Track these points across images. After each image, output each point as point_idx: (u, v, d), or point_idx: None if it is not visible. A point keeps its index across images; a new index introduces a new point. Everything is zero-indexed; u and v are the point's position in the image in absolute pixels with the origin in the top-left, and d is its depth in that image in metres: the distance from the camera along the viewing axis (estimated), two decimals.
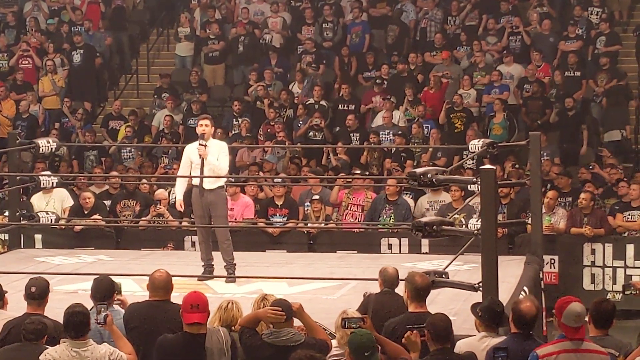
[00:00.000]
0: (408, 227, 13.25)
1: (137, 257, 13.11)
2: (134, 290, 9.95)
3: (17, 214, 13.21)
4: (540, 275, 12.16)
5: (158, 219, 14.42)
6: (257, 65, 19.91)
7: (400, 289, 8.22)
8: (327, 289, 10.79)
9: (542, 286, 12.17)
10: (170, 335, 7.15)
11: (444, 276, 8.86)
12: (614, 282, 13.83)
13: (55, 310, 7.79)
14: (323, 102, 18.49)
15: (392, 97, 18.25)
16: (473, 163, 15.31)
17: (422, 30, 20.30)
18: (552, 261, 13.87)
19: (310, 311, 7.64)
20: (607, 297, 12.13)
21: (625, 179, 15.03)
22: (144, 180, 15.54)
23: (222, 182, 11.34)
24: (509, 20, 19.71)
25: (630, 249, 13.81)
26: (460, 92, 18.09)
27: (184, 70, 20.80)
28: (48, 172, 15.01)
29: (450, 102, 17.81)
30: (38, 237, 14.47)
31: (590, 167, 15.86)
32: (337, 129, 18.16)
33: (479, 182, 9.09)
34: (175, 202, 14.69)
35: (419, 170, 9.11)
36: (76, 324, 7.05)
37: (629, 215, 14.11)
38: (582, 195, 14.06)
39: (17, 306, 8.09)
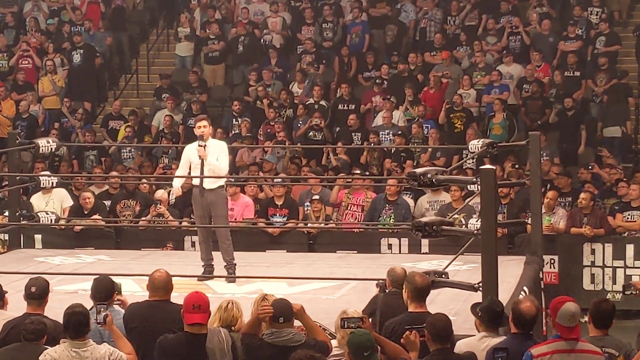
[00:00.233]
0: (408, 227, 13.33)
1: (137, 257, 13.11)
2: (134, 291, 9.95)
3: (17, 214, 13.21)
4: (540, 275, 12.16)
5: (158, 219, 14.42)
6: (257, 65, 19.92)
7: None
8: (327, 289, 10.79)
9: (542, 286, 12.18)
10: (171, 335, 7.14)
11: (443, 276, 8.86)
12: (614, 282, 13.83)
13: (55, 311, 7.79)
14: (323, 102, 18.49)
15: (392, 97, 18.26)
16: (473, 163, 15.31)
17: (422, 30, 20.30)
18: (552, 261, 13.87)
19: (310, 311, 7.64)
20: (607, 297, 12.14)
21: (624, 179, 15.02)
22: (144, 180, 15.54)
23: (222, 182, 11.34)
24: (508, 20, 19.71)
25: (630, 249, 13.81)
26: (460, 92, 18.09)
27: (184, 71, 20.80)
28: (47, 172, 15.01)
29: (450, 102, 17.81)
30: (38, 237, 14.47)
31: (590, 167, 15.86)
32: (337, 129, 18.16)
33: (478, 182, 9.09)
34: (175, 202, 14.87)
35: (419, 170, 9.11)
36: (76, 324, 7.05)
37: (629, 215, 14.11)
38: (582, 195, 14.06)
39: (17, 306, 8.09)
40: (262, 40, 20.62)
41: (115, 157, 18.24)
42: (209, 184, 11.16)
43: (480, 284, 8.60)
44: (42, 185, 13.72)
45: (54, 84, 20.04)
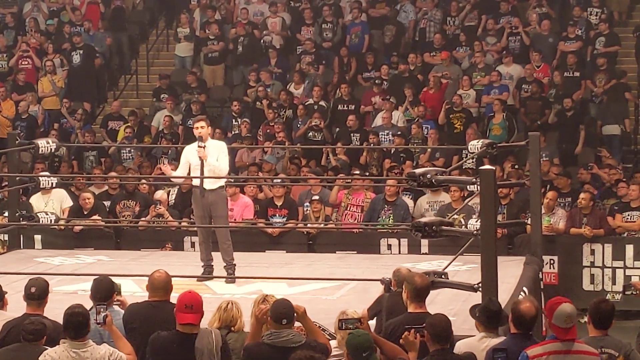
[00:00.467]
0: (407, 228, 13.34)
1: (136, 257, 13.11)
2: (134, 291, 9.95)
3: (17, 214, 13.21)
4: (540, 276, 12.17)
5: (157, 220, 14.42)
6: (256, 66, 19.92)
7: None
8: (327, 289, 10.79)
9: (542, 286, 12.18)
10: (164, 333, 7.18)
11: (443, 277, 8.86)
12: (614, 283, 13.82)
13: (54, 311, 7.79)
14: (322, 103, 18.49)
15: (392, 97, 18.27)
16: (472, 163, 15.31)
17: (422, 31, 20.31)
18: (552, 261, 13.87)
19: (310, 312, 7.64)
20: (607, 298, 12.15)
21: (624, 180, 15.02)
22: (143, 181, 15.53)
23: (222, 182, 11.34)
24: (508, 20, 19.71)
25: (629, 249, 13.81)
26: (459, 93, 18.09)
27: (183, 71, 20.80)
28: (47, 173, 15.01)
29: (449, 102, 17.81)
30: (37, 237, 14.46)
31: (590, 167, 15.87)
32: (337, 129, 18.15)
33: (478, 183, 9.09)
34: (175, 202, 14.87)
35: (418, 170, 9.11)
36: (76, 325, 7.05)
37: (629, 215, 14.10)
38: (582, 195, 14.06)
39: (16, 307, 8.09)
40: (261, 40, 20.62)
41: (115, 157, 18.23)
42: (209, 185, 11.16)
43: (480, 285, 8.60)
44: (41, 186, 13.71)
45: (53, 85, 20.04)
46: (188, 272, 11.36)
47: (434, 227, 8.66)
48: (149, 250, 13.81)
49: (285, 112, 18.55)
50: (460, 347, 7.31)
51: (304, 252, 14.03)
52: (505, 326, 7.54)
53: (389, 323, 7.82)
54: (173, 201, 15.08)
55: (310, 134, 17.80)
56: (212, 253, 11.38)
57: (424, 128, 17.44)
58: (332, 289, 10.82)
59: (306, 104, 18.49)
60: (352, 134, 17.68)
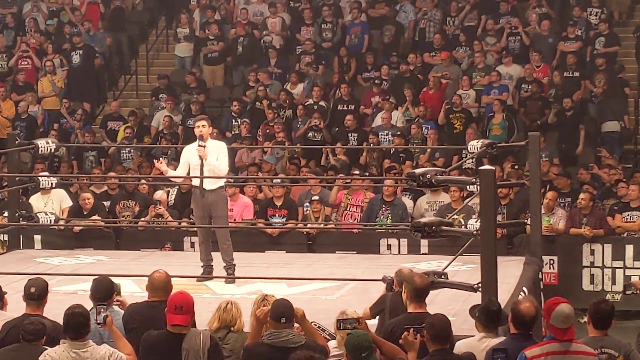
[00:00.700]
0: (406, 228, 13.35)
1: (136, 257, 13.11)
2: (134, 291, 9.94)
3: (17, 214, 13.22)
4: (540, 276, 12.18)
5: (157, 220, 14.42)
6: (256, 66, 19.92)
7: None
8: (327, 289, 10.79)
9: (542, 287, 12.18)
10: (155, 332, 7.22)
11: (443, 277, 8.87)
12: (613, 283, 13.82)
13: (54, 311, 7.80)
14: (322, 103, 18.48)
15: (392, 97, 18.27)
16: (472, 163, 15.31)
17: (421, 31, 20.31)
18: (552, 262, 13.87)
19: (310, 312, 7.64)
20: (606, 298, 12.15)
21: (624, 180, 15.02)
22: (143, 181, 15.53)
23: (222, 182, 11.34)
24: (508, 20, 19.71)
25: (629, 249, 13.80)
26: (459, 93, 18.09)
27: (183, 71, 20.80)
28: (47, 173, 15.00)
29: (449, 102, 17.81)
30: (37, 237, 14.46)
31: (590, 167, 15.87)
32: (336, 129, 18.15)
33: (478, 183, 9.09)
34: (174, 203, 14.87)
35: (418, 170, 9.12)
36: (76, 325, 7.05)
37: (628, 215, 14.10)
38: (581, 195, 14.06)
39: (16, 307, 8.09)
40: (261, 41, 20.62)
41: (114, 157, 18.23)
42: (209, 185, 11.16)
43: (480, 285, 8.60)
44: (41, 186, 13.71)
45: (53, 85, 20.04)
46: (188, 272, 11.36)
47: (433, 227, 8.66)
48: (149, 251, 13.81)
49: (285, 112, 18.56)
50: (460, 347, 7.31)
51: (303, 252, 14.03)
52: (505, 326, 7.54)
53: (388, 323, 7.82)
54: (173, 201, 15.08)
55: (310, 134, 17.80)
56: (212, 253, 11.37)
57: (423, 128, 17.43)
58: (332, 289, 10.82)
59: (306, 104, 18.50)
60: (349, 134, 17.68)
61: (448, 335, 7.02)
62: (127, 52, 22.04)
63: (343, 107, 18.41)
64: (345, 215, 14.70)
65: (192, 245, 13.99)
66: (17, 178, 13.66)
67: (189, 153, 11.26)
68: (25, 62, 20.67)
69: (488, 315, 7.48)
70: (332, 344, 7.58)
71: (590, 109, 18.11)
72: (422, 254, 13.46)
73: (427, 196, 14.62)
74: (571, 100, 17.55)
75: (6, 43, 21.28)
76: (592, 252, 13.92)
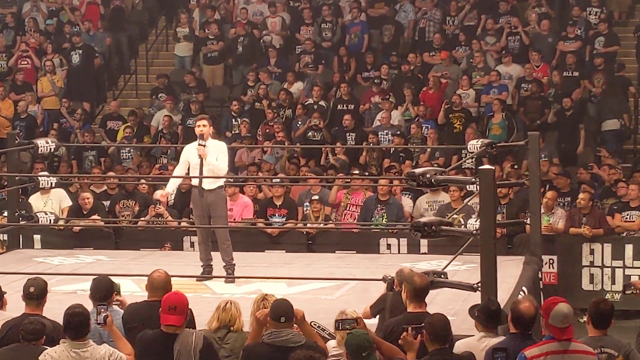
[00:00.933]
0: (405, 227, 13.38)
1: (136, 257, 13.10)
2: (133, 291, 9.95)
3: (16, 214, 13.22)
4: (539, 276, 12.18)
5: (157, 220, 14.41)
6: (255, 66, 19.92)
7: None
8: (326, 289, 10.79)
9: (541, 286, 12.18)
10: (150, 331, 7.23)
11: (442, 276, 8.87)
12: (613, 282, 13.82)
13: (54, 311, 7.80)
14: (322, 103, 18.48)
15: (391, 97, 18.27)
16: (472, 163, 15.31)
17: (421, 31, 20.31)
18: (551, 261, 13.87)
19: (310, 311, 7.65)
20: (606, 297, 12.15)
21: (624, 179, 15.02)
22: (143, 181, 15.52)
23: (221, 182, 11.33)
24: (507, 20, 19.71)
25: (629, 249, 13.80)
26: (459, 92, 18.09)
27: (183, 71, 20.80)
28: (46, 173, 15.00)
29: (449, 102, 17.81)
30: (37, 237, 14.45)
31: (589, 167, 15.87)
32: (336, 128, 18.15)
33: (477, 183, 9.09)
34: (174, 202, 14.87)
35: (418, 170, 9.12)
36: (76, 325, 7.05)
37: (628, 215, 14.10)
38: (581, 195, 14.06)
39: (16, 306, 8.09)
40: (261, 40, 20.62)
41: (114, 157, 18.23)
42: (208, 185, 11.15)
43: (479, 284, 8.60)
44: (41, 186, 13.71)
45: (53, 85, 20.04)
46: (187, 272, 11.35)
47: (433, 226, 8.66)
48: (149, 250, 13.80)
49: (284, 112, 18.56)
50: (459, 347, 7.31)
51: (303, 252, 14.03)
52: (505, 326, 7.55)
53: (388, 323, 7.82)
54: (172, 201, 15.07)
55: (310, 133, 17.80)
56: (212, 253, 11.37)
57: (423, 128, 17.44)
58: (332, 288, 10.82)
59: (306, 103, 18.50)
60: (347, 134, 17.68)
61: (447, 334, 7.02)
62: (126, 51, 22.04)
63: (343, 106, 18.41)
64: (345, 215, 14.69)
65: (192, 245, 13.99)
66: (17, 178, 13.66)
67: (189, 152, 11.25)
68: (25, 62, 20.66)
69: (487, 315, 7.49)
70: (331, 343, 7.59)
71: (589, 108, 18.11)
72: (422, 253, 13.46)
73: (427, 196, 14.62)
74: (571, 99, 17.55)
75: (6, 43, 21.28)
76: (592, 252, 13.91)
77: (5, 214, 13.79)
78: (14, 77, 20.30)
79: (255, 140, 18.02)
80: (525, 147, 12.61)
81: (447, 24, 20.30)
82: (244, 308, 7.91)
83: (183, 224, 14.28)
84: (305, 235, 14.48)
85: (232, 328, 7.80)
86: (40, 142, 13.03)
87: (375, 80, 18.86)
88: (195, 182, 11.25)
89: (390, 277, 8.92)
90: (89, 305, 7.50)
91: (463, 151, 15.26)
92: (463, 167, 15.05)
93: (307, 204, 14.77)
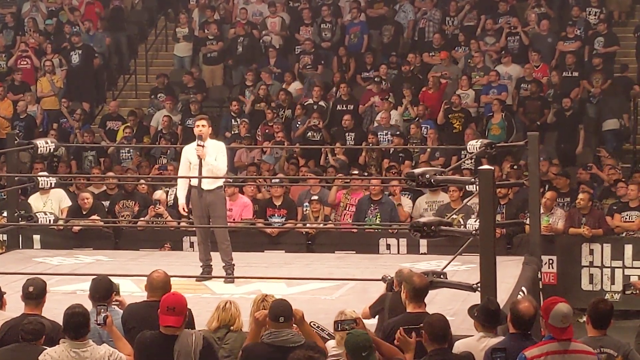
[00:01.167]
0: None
1: (135, 257, 13.11)
2: (133, 291, 9.94)
3: (16, 214, 13.21)
4: (539, 276, 12.18)
5: (157, 220, 14.41)
6: (255, 66, 19.92)
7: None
8: (326, 289, 10.79)
9: (541, 286, 12.18)
10: (149, 332, 7.21)
11: (442, 276, 8.87)
12: (612, 283, 13.82)
13: (53, 311, 7.80)
14: (322, 103, 18.48)
15: (391, 97, 18.26)
16: (471, 163, 15.30)
17: (421, 31, 20.31)
18: (551, 261, 13.87)
19: (309, 312, 7.65)
20: (605, 298, 12.15)
21: (623, 179, 15.03)
22: (142, 181, 15.52)
23: (220, 182, 11.34)
24: (507, 20, 19.71)
25: (628, 249, 13.80)
26: (458, 93, 18.09)
27: (182, 71, 20.80)
28: (46, 173, 15.00)
29: (448, 102, 17.80)
30: (36, 237, 14.44)
31: (589, 167, 15.87)
32: (335, 128, 18.15)
33: (477, 183, 9.09)
34: (174, 202, 14.86)
35: (417, 170, 9.12)
36: (76, 325, 7.05)
37: (627, 215, 14.10)
38: (580, 195, 14.06)
39: (15, 307, 8.09)
40: (260, 40, 20.62)
41: (114, 157, 18.23)
42: (207, 185, 11.15)
43: (479, 284, 8.60)
44: (40, 186, 13.71)
45: (52, 85, 20.04)
46: (187, 272, 11.35)
47: (432, 227, 8.66)
48: (148, 250, 13.80)
49: (284, 112, 18.56)
50: (459, 347, 7.31)
51: (303, 252, 14.03)
52: (504, 326, 7.54)
53: (387, 323, 7.82)
54: (172, 201, 15.06)
55: (309, 133, 17.79)
56: (211, 253, 11.37)
57: (422, 128, 17.44)
58: (331, 288, 10.82)
59: (305, 104, 18.49)
60: (347, 134, 17.69)
61: (446, 335, 7.03)
62: (126, 52, 22.03)
63: (342, 107, 18.41)
64: (344, 215, 14.69)
65: (192, 245, 13.98)
66: (16, 178, 13.66)
67: (188, 153, 11.25)
68: (25, 62, 20.67)
69: (487, 315, 7.48)
70: (330, 344, 7.58)
71: (588, 109, 18.12)
72: (421, 253, 13.46)
73: (426, 196, 14.62)
74: (570, 99, 17.55)
75: (5, 43, 21.28)
76: (591, 252, 13.91)
77: (5, 214, 13.79)
78: (13, 77, 20.29)
79: (255, 140, 18.01)
80: (525, 147, 12.60)
81: (446, 24, 20.30)
82: (244, 308, 7.92)
83: (182, 224, 14.27)
84: (305, 235, 14.47)
85: (231, 328, 7.80)
86: (40, 143, 13.03)
87: (375, 79, 18.84)
88: (194, 182, 11.25)
89: (389, 277, 8.92)
90: (88, 306, 7.49)
91: (462, 151, 15.25)
92: (462, 167, 15.05)
93: (307, 204, 14.77)
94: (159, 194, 14.80)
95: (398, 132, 17.23)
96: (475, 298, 8.54)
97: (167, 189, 15.13)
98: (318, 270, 11.90)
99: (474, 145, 12.24)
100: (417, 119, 17.66)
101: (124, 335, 7.57)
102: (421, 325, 7.08)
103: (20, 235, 13.82)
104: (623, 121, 17.82)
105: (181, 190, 11.55)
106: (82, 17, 21.59)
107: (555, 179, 15.22)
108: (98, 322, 7.38)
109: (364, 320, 7.67)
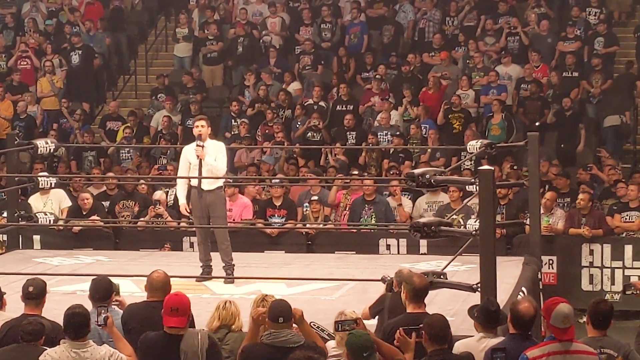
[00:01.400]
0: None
1: (135, 257, 13.10)
2: (133, 291, 9.94)
3: (16, 214, 13.21)
4: (539, 276, 12.17)
5: (156, 220, 14.41)
6: (256, 66, 19.92)
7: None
8: (326, 289, 10.79)
9: (541, 287, 12.18)
10: (152, 333, 7.22)
11: (442, 277, 8.86)
12: (612, 283, 13.81)
13: (53, 311, 7.80)
14: (322, 103, 18.48)
15: (391, 97, 18.26)
16: (471, 164, 15.30)
17: (421, 31, 20.31)
18: (551, 262, 13.86)
19: (309, 312, 7.64)
20: (605, 298, 12.15)
21: (623, 180, 15.03)
22: (142, 181, 15.52)
23: (220, 182, 11.34)
24: (507, 20, 19.71)
25: (628, 249, 13.80)
26: (458, 93, 18.08)
27: (182, 71, 20.80)
28: (46, 173, 14.99)
29: (448, 102, 17.80)
30: (36, 238, 14.44)
31: (589, 168, 15.87)
32: (335, 129, 18.15)
33: (477, 183, 9.09)
34: (174, 202, 14.86)
35: (417, 171, 9.12)
36: (76, 325, 7.05)
37: (627, 215, 14.09)
38: (580, 195, 14.06)
39: (15, 307, 8.09)
40: (260, 41, 20.62)
41: (113, 158, 18.23)
42: (207, 185, 11.15)
43: (479, 285, 8.60)
44: (40, 186, 13.71)
45: (52, 85, 20.04)
46: (187, 272, 11.35)
47: (432, 227, 8.66)
48: (148, 251, 13.80)
49: (284, 112, 18.56)
50: (458, 348, 7.31)
51: (302, 252, 14.02)
52: (504, 326, 7.54)
53: (387, 324, 7.82)
54: (172, 201, 15.06)
55: (309, 134, 17.80)
56: (211, 253, 11.37)
57: (422, 128, 17.43)
58: (331, 289, 10.82)
59: (305, 104, 18.49)
60: (348, 132, 17.69)
61: (446, 335, 7.03)
62: (126, 52, 22.04)
63: (342, 107, 18.41)
64: (344, 215, 14.68)
65: (192, 245, 13.98)
66: (16, 178, 13.66)
67: (188, 153, 11.25)
68: (25, 62, 20.67)
69: (487, 316, 7.48)
70: (330, 344, 7.58)
71: (588, 109, 18.12)
72: (421, 254, 13.45)
73: (426, 196, 14.61)
74: (570, 100, 17.55)
75: (5, 43, 21.29)
76: (591, 252, 13.91)
77: (5, 214, 13.79)
78: (12, 78, 20.29)
79: (255, 140, 18.01)
80: (525, 147, 12.60)
81: (446, 24, 20.30)
82: (244, 308, 7.91)
83: (182, 224, 14.27)
84: (305, 235, 14.47)
85: (232, 328, 7.80)
86: (40, 143, 13.03)
87: (376, 76, 18.83)
88: (194, 182, 11.26)
89: (389, 278, 8.92)
90: (88, 306, 7.49)
91: (462, 152, 15.25)
92: (462, 168, 15.04)
93: (307, 204, 14.77)
94: (158, 194, 14.80)
95: (398, 133, 17.23)
96: (475, 298, 8.54)
97: (167, 189, 15.14)
98: (318, 271, 11.90)
99: (474, 145, 12.24)
100: (417, 119, 17.65)
101: (123, 335, 7.56)
102: (421, 325, 7.08)
103: (20, 236, 13.82)
104: (625, 118, 17.82)
105: (181, 190, 11.55)
106: (82, 17, 21.59)
107: (555, 179, 15.22)
108: (99, 322, 7.38)
109: (364, 321, 7.66)
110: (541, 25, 19.45)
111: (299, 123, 18.11)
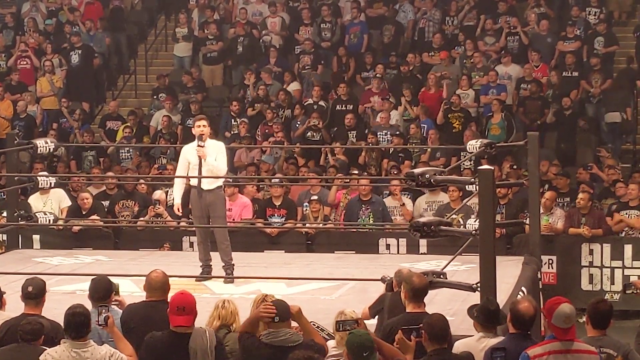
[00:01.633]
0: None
1: (135, 257, 13.10)
2: (132, 291, 9.93)
3: (15, 214, 13.20)
4: (539, 276, 12.17)
5: (156, 220, 14.41)
6: (256, 65, 19.93)
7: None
8: (326, 289, 10.79)
9: (540, 286, 12.18)
10: (158, 333, 7.20)
11: (442, 276, 8.86)
12: (612, 283, 13.82)
13: (53, 311, 7.80)
14: (321, 103, 18.48)
15: (391, 97, 18.26)
16: (471, 163, 15.30)
17: (421, 31, 20.31)
18: (550, 261, 13.87)
19: (309, 311, 7.63)
20: (605, 298, 12.15)
21: (622, 179, 15.03)
22: (142, 181, 15.52)
23: (220, 182, 11.33)
24: (506, 20, 19.72)
25: (628, 249, 13.80)
26: (458, 93, 18.08)
27: (182, 71, 20.81)
28: (45, 173, 14.99)
29: (448, 102, 17.80)
30: (36, 237, 14.44)
31: (589, 167, 15.87)
32: (335, 129, 18.15)
33: (477, 183, 9.09)
34: (173, 205, 14.87)
35: (417, 170, 9.11)
36: (77, 325, 7.05)
37: (627, 214, 14.09)
38: (580, 195, 14.06)
39: (15, 307, 8.08)
40: (260, 40, 20.63)
41: (113, 157, 18.23)
42: (207, 185, 11.15)
43: (479, 284, 8.59)
44: (40, 186, 13.71)
45: (52, 85, 20.04)
46: (187, 272, 11.35)
47: (432, 227, 8.65)
48: (148, 250, 13.80)
49: (284, 112, 18.56)
50: (458, 347, 7.31)
51: (302, 252, 14.02)
52: (504, 326, 7.54)
53: (387, 323, 7.81)
54: (171, 201, 15.04)
55: (309, 133, 17.80)
56: (211, 253, 11.37)
57: (422, 128, 17.44)
58: (331, 288, 10.82)
59: (305, 104, 18.49)
60: (349, 132, 17.70)
61: (446, 335, 7.02)
62: (126, 51, 22.04)
63: (342, 107, 18.41)
64: (344, 215, 14.68)
65: (191, 245, 13.98)
66: (16, 178, 13.65)
67: (188, 153, 11.25)
68: (24, 62, 20.67)
69: (486, 315, 7.48)
70: (330, 343, 7.57)
71: (587, 109, 18.12)
72: (421, 253, 13.46)
73: (426, 196, 14.62)
74: (570, 99, 17.56)
75: (5, 43, 21.29)
76: (591, 252, 13.91)
77: (5, 214, 13.78)
78: (11, 77, 20.29)
79: (254, 140, 18.01)
80: (525, 147, 12.60)
81: (446, 24, 20.30)
82: (244, 308, 7.91)
83: (182, 224, 14.27)
84: (305, 235, 14.47)
85: (232, 328, 7.80)
86: (40, 142, 13.02)
87: (377, 76, 18.83)
88: (194, 182, 11.25)
89: (389, 278, 8.92)
90: (88, 306, 7.49)
91: (462, 152, 15.25)
92: (462, 168, 15.04)
93: (307, 204, 14.77)
94: (158, 194, 14.80)
95: (398, 132, 17.24)
96: (475, 298, 8.53)
97: (167, 189, 15.12)
98: (318, 270, 11.90)
99: (473, 145, 12.23)
100: (416, 119, 17.65)
101: (123, 335, 7.56)
102: (421, 325, 7.08)
103: (20, 235, 13.81)
104: (625, 115, 17.81)
105: (177, 190, 11.55)
106: (82, 17, 21.59)
107: (555, 179, 15.22)
108: (99, 322, 7.38)
109: (364, 321, 7.66)
110: (541, 25, 19.45)
111: (298, 123, 18.11)
